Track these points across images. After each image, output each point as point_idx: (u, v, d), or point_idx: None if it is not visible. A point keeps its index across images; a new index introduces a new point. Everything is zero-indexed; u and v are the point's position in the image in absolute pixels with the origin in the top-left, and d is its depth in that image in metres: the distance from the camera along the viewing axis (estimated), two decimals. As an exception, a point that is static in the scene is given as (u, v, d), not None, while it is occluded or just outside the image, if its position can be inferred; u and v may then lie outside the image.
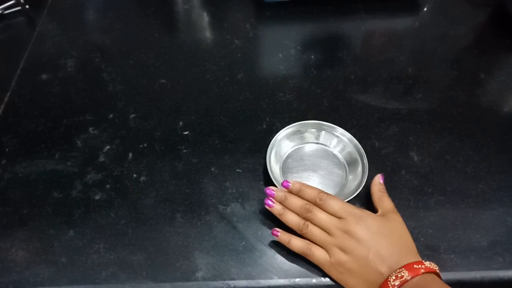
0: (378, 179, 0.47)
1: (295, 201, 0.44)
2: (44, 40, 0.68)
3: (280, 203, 0.45)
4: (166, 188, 0.50)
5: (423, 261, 0.38)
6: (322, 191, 0.44)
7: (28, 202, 0.49)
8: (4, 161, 0.52)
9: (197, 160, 0.52)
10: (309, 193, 0.44)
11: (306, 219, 0.44)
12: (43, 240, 0.46)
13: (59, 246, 0.45)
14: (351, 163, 0.51)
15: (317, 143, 0.54)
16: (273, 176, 0.48)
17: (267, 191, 0.45)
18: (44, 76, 0.62)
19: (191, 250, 0.45)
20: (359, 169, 0.49)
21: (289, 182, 0.45)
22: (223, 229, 0.46)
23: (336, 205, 0.43)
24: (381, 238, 0.40)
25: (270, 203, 0.45)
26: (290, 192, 0.45)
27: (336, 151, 0.53)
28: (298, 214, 0.44)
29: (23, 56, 0.65)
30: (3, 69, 0.63)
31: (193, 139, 0.54)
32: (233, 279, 0.43)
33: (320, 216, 0.43)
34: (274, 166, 0.50)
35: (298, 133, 0.53)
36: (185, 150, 0.53)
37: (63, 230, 0.47)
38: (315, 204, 0.44)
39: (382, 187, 0.46)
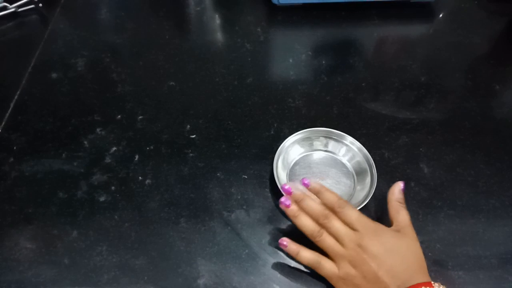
0: (398, 188, 0.44)
1: (313, 205, 0.42)
2: (55, 39, 0.68)
3: (296, 202, 0.42)
4: (171, 192, 0.49)
5: (432, 282, 0.37)
6: (342, 198, 0.42)
7: (34, 201, 0.49)
8: (11, 159, 0.52)
9: (203, 164, 0.52)
10: (329, 198, 0.42)
11: (321, 225, 0.41)
12: (47, 240, 0.46)
13: (62, 247, 0.45)
14: (359, 173, 0.50)
15: (325, 150, 0.53)
16: (280, 183, 0.48)
17: (284, 187, 0.42)
18: (54, 75, 0.62)
19: (194, 256, 0.44)
20: (368, 179, 0.48)
21: (309, 181, 0.42)
22: (226, 236, 0.46)
23: (353, 216, 0.41)
24: (394, 255, 0.39)
25: (287, 202, 0.42)
26: (309, 191, 0.43)
27: (345, 159, 0.52)
28: (313, 219, 0.42)
29: (35, 54, 0.65)
30: (14, 67, 0.64)
31: (200, 143, 0.54)
32: (235, 287, 0.42)
33: (337, 225, 0.41)
34: (281, 173, 0.50)
35: (306, 140, 0.53)
36: (191, 154, 0.53)
37: (67, 230, 0.46)
38: (332, 210, 0.42)
39: (401, 198, 0.44)
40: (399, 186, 0.44)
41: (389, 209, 0.44)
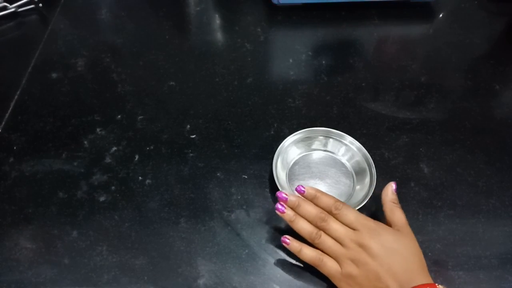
0: (391, 189, 0.44)
1: (310, 209, 0.42)
2: (55, 39, 0.68)
3: (292, 209, 0.43)
4: (171, 192, 0.49)
5: (437, 284, 0.37)
6: (339, 200, 0.42)
7: (34, 201, 0.49)
8: (12, 159, 0.52)
9: (203, 164, 0.52)
10: (325, 201, 0.42)
11: (319, 228, 0.42)
12: (47, 240, 0.46)
13: (62, 247, 0.45)
14: (359, 173, 0.50)
15: (325, 150, 0.53)
16: (279, 183, 0.48)
17: (279, 195, 0.43)
18: (54, 75, 0.62)
19: (194, 256, 0.44)
20: (367, 179, 0.48)
21: (304, 187, 0.43)
22: (226, 236, 0.46)
23: (352, 216, 0.41)
24: (394, 254, 0.39)
25: (281, 208, 0.42)
26: (305, 198, 0.43)
27: (344, 159, 0.52)
28: (310, 222, 0.42)
29: (35, 55, 0.65)
30: (14, 67, 0.64)
31: (200, 143, 0.54)
32: (235, 287, 0.42)
33: (335, 227, 0.41)
34: (280, 173, 0.50)
35: (306, 140, 0.53)
36: (191, 154, 0.53)
37: (67, 230, 0.46)
38: (330, 213, 0.42)
39: (395, 198, 0.44)
40: (391, 186, 0.44)
41: (384, 209, 0.44)
